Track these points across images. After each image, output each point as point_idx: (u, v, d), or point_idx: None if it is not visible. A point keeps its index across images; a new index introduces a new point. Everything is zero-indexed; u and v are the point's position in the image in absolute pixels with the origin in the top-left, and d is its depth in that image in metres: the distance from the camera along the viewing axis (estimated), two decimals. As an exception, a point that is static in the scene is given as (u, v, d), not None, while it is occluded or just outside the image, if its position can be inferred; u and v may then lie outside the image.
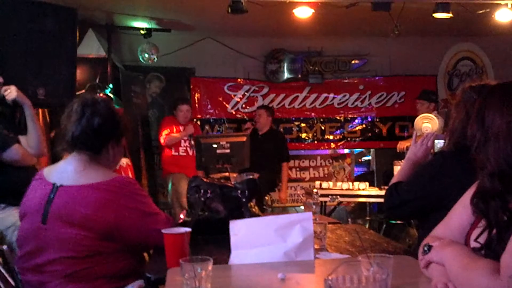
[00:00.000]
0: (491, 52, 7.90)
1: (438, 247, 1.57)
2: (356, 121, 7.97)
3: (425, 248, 1.62)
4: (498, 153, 1.47)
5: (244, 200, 2.75)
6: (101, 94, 5.81)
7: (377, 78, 7.94)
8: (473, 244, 1.52)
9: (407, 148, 4.09)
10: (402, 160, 2.81)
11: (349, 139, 7.99)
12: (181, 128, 6.38)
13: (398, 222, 6.18)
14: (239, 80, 7.72)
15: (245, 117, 7.62)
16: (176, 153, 6.31)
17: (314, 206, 3.05)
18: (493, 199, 1.47)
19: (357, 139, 8.01)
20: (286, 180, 6.95)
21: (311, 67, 7.84)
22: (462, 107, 2.34)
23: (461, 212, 1.64)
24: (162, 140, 6.33)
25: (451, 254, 1.50)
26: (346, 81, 7.91)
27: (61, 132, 2.32)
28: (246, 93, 7.71)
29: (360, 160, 8.74)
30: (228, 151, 3.55)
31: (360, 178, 7.52)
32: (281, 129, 7.82)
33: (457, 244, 1.56)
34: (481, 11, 5.82)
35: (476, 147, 1.56)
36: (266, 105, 7.36)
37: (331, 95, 7.87)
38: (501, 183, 1.45)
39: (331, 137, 7.97)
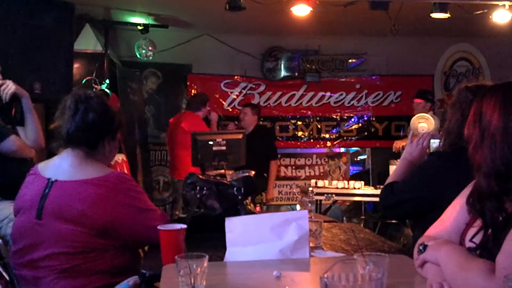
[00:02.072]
0: (488, 53, 7.91)
1: (434, 247, 1.57)
2: (352, 120, 7.97)
3: (421, 248, 1.62)
4: (494, 154, 1.48)
5: (240, 197, 2.75)
6: (97, 86, 5.79)
7: (374, 77, 7.94)
8: (468, 244, 1.53)
9: (403, 148, 4.09)
10: (398, 160, 2.81)
11: (345, 138, 7.99)
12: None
13: (393, 221, 6.19)
14: (236, 77, 7.71)
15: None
16: None
17: (309, 204, 3.05)
18: (489, 199, 1.47)
19: (353, 138, 8.01)
20: (274, 178, 6.79)
21: (308, 66, 7.84)
22: (458, 107, 2.34)
23: (456, 211, 1.64)
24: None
25: (447, 253, 1.50)
26: (343, 80, 7.91)
27: (56, 129, 2.31)
28: (242, 91, 7.70)
29: (355, 159, 8.74)
30: (224, 148, 3.54)
31: (355, 177, 7.52)
32: (277, 127, 7.82)
33: (453, 244, 1.56)
34: (478, 12, 5.82)
35: (472, 148, 1.56)
36: (252, 103, 7.23)
37: (328, 94, 7.87)
38: (497, 184, 1.46)
39: (327, 135, 7.98)
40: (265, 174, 6.49)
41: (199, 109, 6.25)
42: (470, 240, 1.51)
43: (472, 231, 1.53)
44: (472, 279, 1.36)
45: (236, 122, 6.72)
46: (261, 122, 7.62)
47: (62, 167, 2.28)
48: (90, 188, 2.19)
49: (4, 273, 2.39)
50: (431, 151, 2.69)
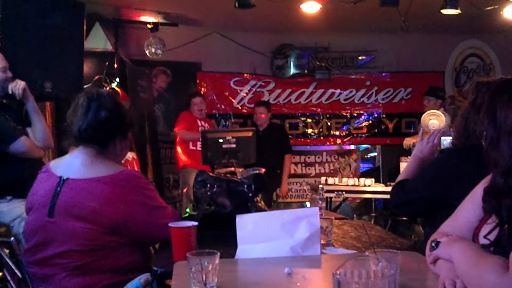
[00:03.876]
0: (499, 49, 7.86)
1: (446, 243, 1.56)
2: (363, 117, 7.96)
3: (433, 244, 1.61)
4: (511, 151, 1.46)
5: (250, 194, 2.75)
6: (108, 88, 5.82)
7: (384, 74, 7.92)
8: (482, 240, 1.51)
9: (414, 145, 4.07)
10: (409, 157, 2.80)
11: (355, 135, 7.98)
12: (199, 122, 6.35)
13: (404, 219, 6.18)
14: (245, 75, 7.71)
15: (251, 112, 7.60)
16: (194, 148, 6.20)
17: (320, 202, 3.05)
18: (506, 196, 1.46)
19: (363, 135, 8.00)
20: (288, 172, 6.85)
21: (317, 63, 7.82)
22: (471, 104, 2.32)
23: (469, 208, 1.63)
24: (176, 134, 6.36)
25: (460, 250, 1.49)
26: (352, 77, 7.89)
27: (68, 126, 2.32)
28: (252, 88, 7.71)
29: (366, 156, 8.73)
30: (234, 146, 3.56)
31: (366, 174, 7.51)
32: (287, 125, 7.82)
33: (465, 241, 1.55)
34: (489, 8, 5.79)
35: (488, 145, 1.55)
36: (264, 101, 7.27)
37: (338, 91, 7.86)
38: None
39: (337, 133, 7.97)
40: (278, 171, 6.54)
41: (187, 108, 6.57)
42: (485, 237, 1.50)
43: (486, 228, 1.52)
44: (485, 276, 1.35)
45: (249, 123, 6.77)
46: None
47: (73, 165, 2.29)
48: (102, 186, 2.19)
49: (16, 271, 2.41)
50: (442, 148, 2.68)
